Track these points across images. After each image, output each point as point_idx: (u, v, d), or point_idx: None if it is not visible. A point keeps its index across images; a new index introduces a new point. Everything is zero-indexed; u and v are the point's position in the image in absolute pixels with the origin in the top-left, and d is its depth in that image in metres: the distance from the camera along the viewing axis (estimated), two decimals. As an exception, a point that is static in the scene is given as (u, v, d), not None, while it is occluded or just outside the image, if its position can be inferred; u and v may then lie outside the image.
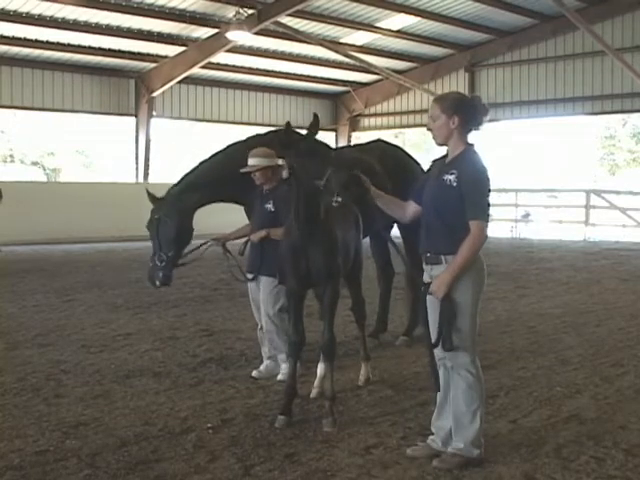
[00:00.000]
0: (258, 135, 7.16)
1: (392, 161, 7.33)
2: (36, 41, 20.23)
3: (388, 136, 25.32)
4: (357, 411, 5.16)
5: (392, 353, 6.94)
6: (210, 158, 6.96)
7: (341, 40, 23.07)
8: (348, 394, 5.53)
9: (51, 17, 18.94)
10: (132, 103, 23.73)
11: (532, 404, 5.31)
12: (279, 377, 5.96)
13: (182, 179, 6.93)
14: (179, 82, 23.34)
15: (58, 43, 20.57)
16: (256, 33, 20.36)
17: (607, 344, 7.34)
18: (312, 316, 7.26)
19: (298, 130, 4.80)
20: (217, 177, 6.70)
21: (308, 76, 26.35)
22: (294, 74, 25.94)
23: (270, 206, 5.98)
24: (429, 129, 4.25)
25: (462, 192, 4.03)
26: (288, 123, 4.71)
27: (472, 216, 4.03)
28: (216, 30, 20.62)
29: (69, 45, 20.85)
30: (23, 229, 18.87)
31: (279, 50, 23.67)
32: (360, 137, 27.88)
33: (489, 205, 4.11)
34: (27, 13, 18.56)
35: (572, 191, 26.65)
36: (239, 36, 20.23)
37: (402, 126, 29.19)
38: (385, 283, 7.72)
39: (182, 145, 36.84)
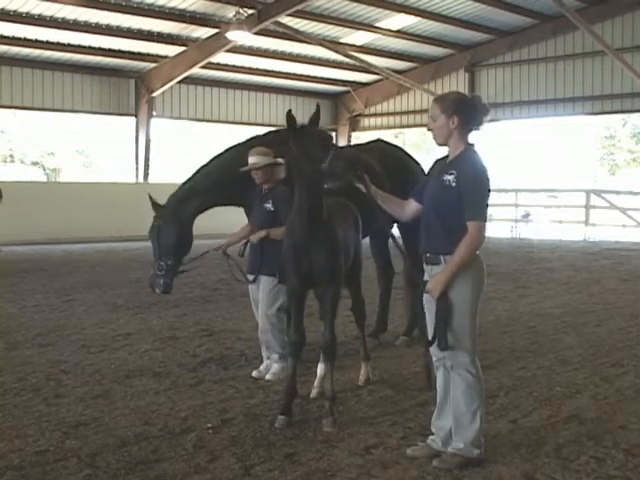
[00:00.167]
0: (257, 136, 7.17)
1: (392, 161, 7.33)
2: (36, 41, 20.24)
3: (388, 136, 25.33)
4: (357, 411, 5.15)
5: (392, 353, 6.94)
6: (210, 162, 6.97)
7: (341, 40, 23.08)
8: (348, 394, 5.53)
9: (51, 17, 18.96)
10: (132, 103, 23.75)
11: (532, 404, 5.31)
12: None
13: (183, 185, 6.95)
14: (179, 82, 23.35)
15: (58, 43, 20.58)
16: (256, 33, 20.38)
17: (607, 344, 7.34)
18: (312, 316, 7.25)
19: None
20: (218, 180, 6.71)
21: (308, 76, 26.35)
22: (294, 74, 25.94)
23: (269, 205, 5.99)
24: (429, 129, 4.25)
25: (461, 192, 4.03)
26: (289, 111, 4.72)
27: (470, 216, 4.03)
28: (216, 30, 20.64)
29: (69, 45, 20.87)
30: (23, 229, 18.87)
31: (279, 50, 23.67)
32: (360, 137, 27.87)
33: (487, 205, 4.11)
34: (27, 13, 18.58)
35: (572, 191, 26.67)
36: (239, 36, 20.24)
37: (402, 126, 29.21)
38: (385, 283, 7.72)
39: (182, 145, 36.88)
